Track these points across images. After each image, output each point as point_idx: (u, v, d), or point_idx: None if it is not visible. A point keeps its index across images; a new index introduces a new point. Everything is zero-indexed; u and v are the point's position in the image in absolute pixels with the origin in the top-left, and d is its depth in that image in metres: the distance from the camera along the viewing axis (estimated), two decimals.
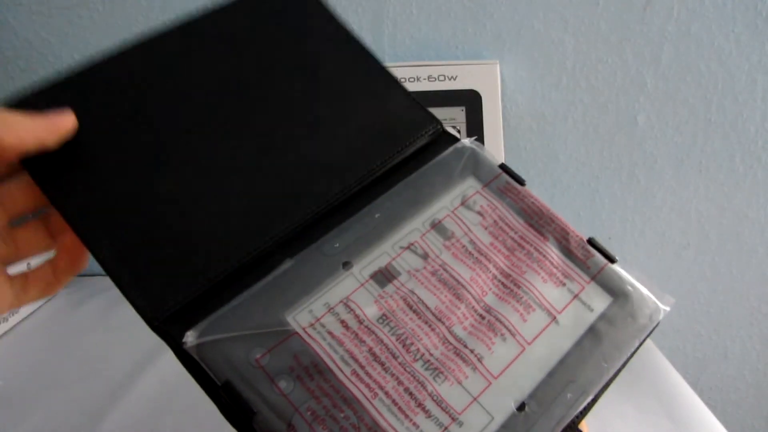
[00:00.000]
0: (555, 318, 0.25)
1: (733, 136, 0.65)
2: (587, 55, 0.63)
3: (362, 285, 0.25)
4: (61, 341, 0.56)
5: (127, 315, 0.64)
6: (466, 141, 0.30)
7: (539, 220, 0.28)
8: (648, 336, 0.25)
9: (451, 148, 0.30)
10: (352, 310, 0.25)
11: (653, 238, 0.69)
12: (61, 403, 0.45)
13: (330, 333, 0.24)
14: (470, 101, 0.62)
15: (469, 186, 0.29)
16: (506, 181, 0.29)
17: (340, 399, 0.22)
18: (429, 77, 0.62)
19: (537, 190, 0.67)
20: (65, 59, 0.65)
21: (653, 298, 0.27)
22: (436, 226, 0.27)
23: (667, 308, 0.26)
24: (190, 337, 0.23)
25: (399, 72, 0.62)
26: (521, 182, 0.29)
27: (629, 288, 0.26)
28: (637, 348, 0.25)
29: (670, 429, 0.40)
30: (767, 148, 0.65)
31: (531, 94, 0.65)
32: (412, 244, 0.27)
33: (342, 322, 0.24)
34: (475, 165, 0.29)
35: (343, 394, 0.22)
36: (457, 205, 0.28)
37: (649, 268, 0.70)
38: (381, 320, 0.24)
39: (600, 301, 0.26)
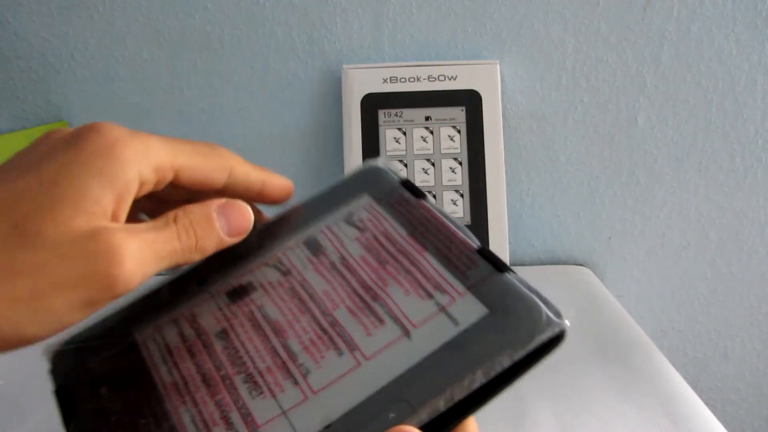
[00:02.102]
0: (408, 332, 0.22)
1: (733, 136, 0.65)
2: (587, 55, 0.63)
3: (212, 300, 0.26)
4: None
5: None
6: (375, 160, 0.29)
7: (424, 231, 0.26)
8: (534, 356, 0.21)
9: (355, 168, 0.29)
10: (195, 325, 0.25)
11: (653, 238, 0.69)
12: None
13: (166, 345, 0.24)
14: (470, 101, 0.62)
15: (360, 203, 0.28)
16: (400, 195, 0.27)
17: (148, 408, 0.22)
18: (429, 77, 0.62)
19: (537, 189, 0.67)
20: (65, 59, 0.65)
21: (545, 312, 0.22)
22: (308, 242, 0.27)
23: (564, 323, 0.22)
24: (45, 347, 0.25)
25: (399, 72, 0.62)
26: (419, 195, 0.27)
27: (510, 300, 0.23)
28: (517, 368, 0.21)
29: (670, 429, 0.40)
30: (767, 148, 0.65)
31: (531, 94, 0.65)
32: (276, 260, 0.26)
33: (181, 335, 0.25)
34: (374, 182, 0.28)
35: (153, 405, 0.22)
36: (338, 221, 0.27)
37: (649, 268, 0.70)
38: (219, 335, 0.24)
39: (472, 314, 0.22)
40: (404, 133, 0.62)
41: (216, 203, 0.23)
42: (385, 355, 0.22)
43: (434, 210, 0.27)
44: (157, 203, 0.25)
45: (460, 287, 0.24)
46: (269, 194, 0.26)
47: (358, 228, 0.27)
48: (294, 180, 0.71)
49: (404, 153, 0.62)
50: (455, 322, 0.22)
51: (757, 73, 0.63)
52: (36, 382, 0.48)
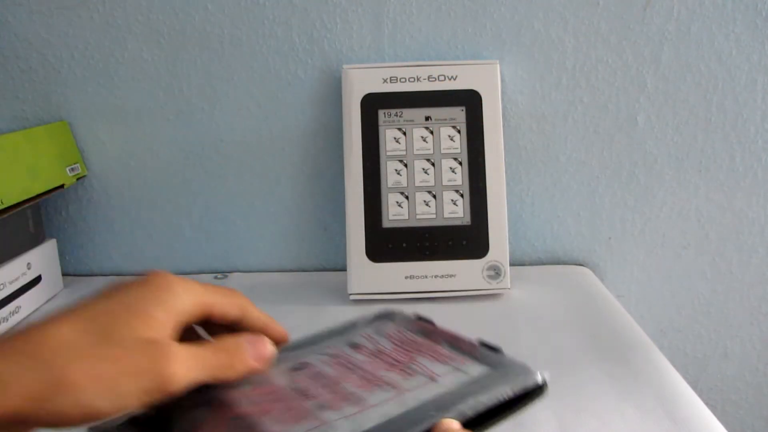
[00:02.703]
0: (434, 379, 0.30)
1: (733, 136, 0.65)
2: (587, 55, 0.63)
3: (276, 370, 0.32)
4: None
5: None
6: (391, 308, 0.39)
7: (434, 335, 0.35)
8: (522, 398, 0.30)
9: (374, 312, 0.39)
10: (263, 379, 0.31)
11: (653, 238, 0.69)
12: None
13: (244, 389, 0.30)
14: (470, 101, 0.62)
15: (385, 325, 0.37)
16: (416, 322, 0.37)
17: (235, 421, 0.28)
18: (429, 77, 0.62)
19: (537, 189, 0.67)
20: (65, 59, 0.66)
21: (531, 369, 0.31)
22: (349, 343, 0.35)
23: (545, 377, 0.31)
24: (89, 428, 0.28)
25: (399, 72, 0.62)
26: (430, 322, 0.37)
27: (506, 362, 0.32)
28: (512, 404, 0.29)
29: (670, 429, 0.40)
30: (767, 148, 0.65)
31: (531, 94, 0.65)
32: (326, 350, 0.34)
33: (254, 384, 0.31)
34: (393, 317, 0.38)
35: (240, 419, 0.27)
36: (370, 332, 0.36)
37: (649, 268, 0.70)
38: (287, 383, 0.31)
39: (479, 370, 0.31)
40: (404, 133, 0.62)
41: (247, 336, 0.31)
42: (418, 390, 0.29)
43: (443, 327, 0.35)
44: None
45: (468, 359, 0.32)
46: (269, 336, 0.33)
47: (387, 336, 0.36)
48: (294, 180, 0.72)
49: (404, 153, 0.62)
50: (467, 374, 0.30)
51: (757, 73, 0.63)
52: None
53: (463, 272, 0.61)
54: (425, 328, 0.36)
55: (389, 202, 0.61)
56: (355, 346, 0.34)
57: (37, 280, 0.62)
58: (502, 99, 0.64)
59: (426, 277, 0.61)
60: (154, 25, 0.64)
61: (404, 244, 0.61)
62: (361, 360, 0.32)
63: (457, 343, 0.33)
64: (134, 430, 0.28)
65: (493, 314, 0.58)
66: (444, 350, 0.33)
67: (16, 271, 0.59)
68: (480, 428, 0.28)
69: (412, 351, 0.33)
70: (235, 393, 0.29)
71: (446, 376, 0.30)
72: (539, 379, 0.30)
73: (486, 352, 0.33)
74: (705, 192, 0.67)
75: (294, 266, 0.71)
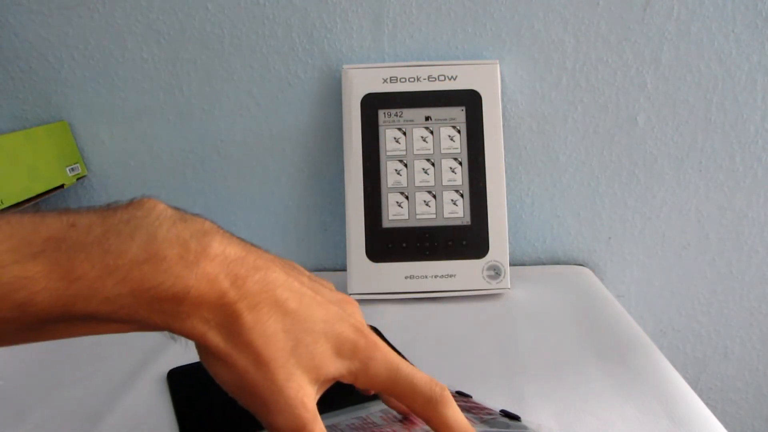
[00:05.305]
0: None
1: (733, 136, 0.65)
2: (587, 55, 0.63)
3: None
4: (61, 341, 0.56)
5: None
6: None
7: (459, 404, 0.37)
8: None
9: None
10: None
11: (653, 238, 0.69)
12: (61, 403, 0.45)
13: None
14: (470, 101, 0.62)
15: None
16: (453, 395, 0.39)
17: None
18: (429, 77, 0.62)
19: (537, 189, 0.67)
20: (65, 59, 0.66)
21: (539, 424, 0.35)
22: (382, 409, 0.37)
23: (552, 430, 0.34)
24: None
25: (399, 72, 0.62)
26: (467, 396, 0.39)
27: (515, 426, 0.34)
28: None
29: (670, 429, 0.40)
30: (767, 148, 0.65)
31: (531, 94, 0.65)
32: (360, 415, 0.37)
33: None
34: None
35: None
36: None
37: (649, 268, 0.70)
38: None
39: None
40: (404, 133, 0.62)
41: None
42: None
43: (476, 400, 0.39)
44: None
45: (477, 424, 0.34)
46: None
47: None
48: (294, 180, 0.71)
49: (404, 153, 0.62)
50: None
51: (757, 73, 0.63)
52: (36, 382, 0.48)
53: (463, 272, 0.61)
54: (457, 399, 0.38)
55: (389, 202, 0.61)
56: (386, 412, 0.36)
57: None
58: (502, 99, 0.64)
59: (426, 277, 0.61)
60: (154, 25, 0.64)
61: (404, 244, 0.61)
62: (380, 424, 0.35)
63: (474, 410, 0.36)
64: None
65: (493, 314, 0.58)
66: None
67: None
68: None
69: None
70: None
71: None
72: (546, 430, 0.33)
73: (501, 419, 0.35)
74: (705, 192, 0.67)
75: None
